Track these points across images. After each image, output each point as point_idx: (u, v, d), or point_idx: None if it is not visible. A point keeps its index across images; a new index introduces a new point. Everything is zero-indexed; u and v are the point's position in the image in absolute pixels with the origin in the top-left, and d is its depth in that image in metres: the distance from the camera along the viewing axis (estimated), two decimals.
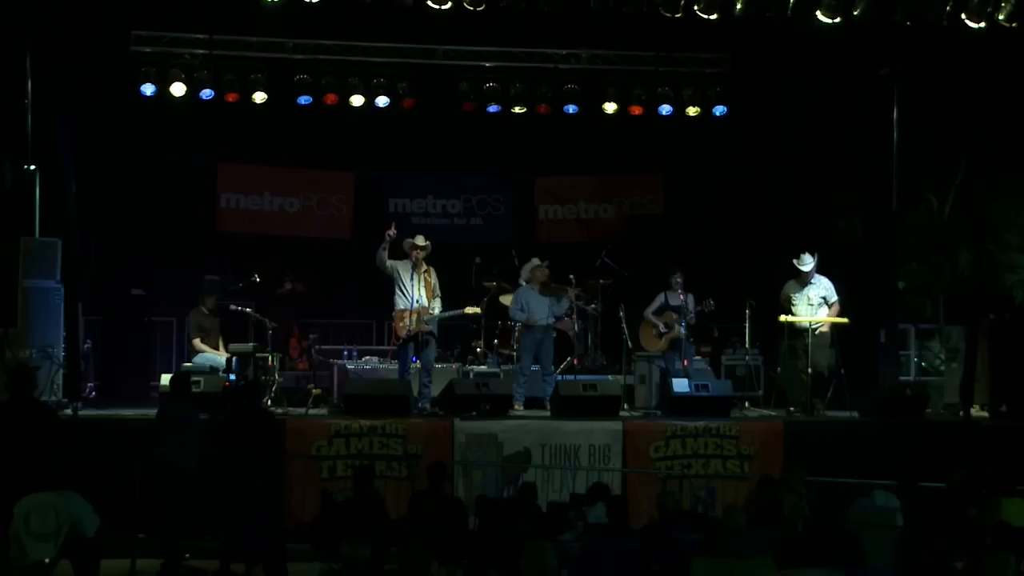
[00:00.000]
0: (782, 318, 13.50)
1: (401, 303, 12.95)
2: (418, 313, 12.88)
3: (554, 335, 13.93)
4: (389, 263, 12.93)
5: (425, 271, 13.03)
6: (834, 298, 13.52)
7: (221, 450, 10.53)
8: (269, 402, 13.06)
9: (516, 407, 13.26)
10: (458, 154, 16.97)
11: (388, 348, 14.38)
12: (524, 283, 13.93)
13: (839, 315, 13.53)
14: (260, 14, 14.33)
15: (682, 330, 13.52)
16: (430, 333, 13.05)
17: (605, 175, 17.52)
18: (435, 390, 13.29)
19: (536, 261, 13.86)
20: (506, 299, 14.89)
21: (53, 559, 8.37)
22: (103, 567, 10.37)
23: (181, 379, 11.10)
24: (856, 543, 7.19)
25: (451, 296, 13.44)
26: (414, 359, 13.23)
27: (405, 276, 12.98)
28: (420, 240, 13.07)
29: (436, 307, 13.04)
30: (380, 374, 14.18)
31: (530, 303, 13.66)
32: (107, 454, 10.82)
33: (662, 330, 13.69)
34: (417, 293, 12.90)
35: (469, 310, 13.27)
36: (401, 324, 12.94)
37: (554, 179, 17.56)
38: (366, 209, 17.00)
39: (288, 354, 14.68)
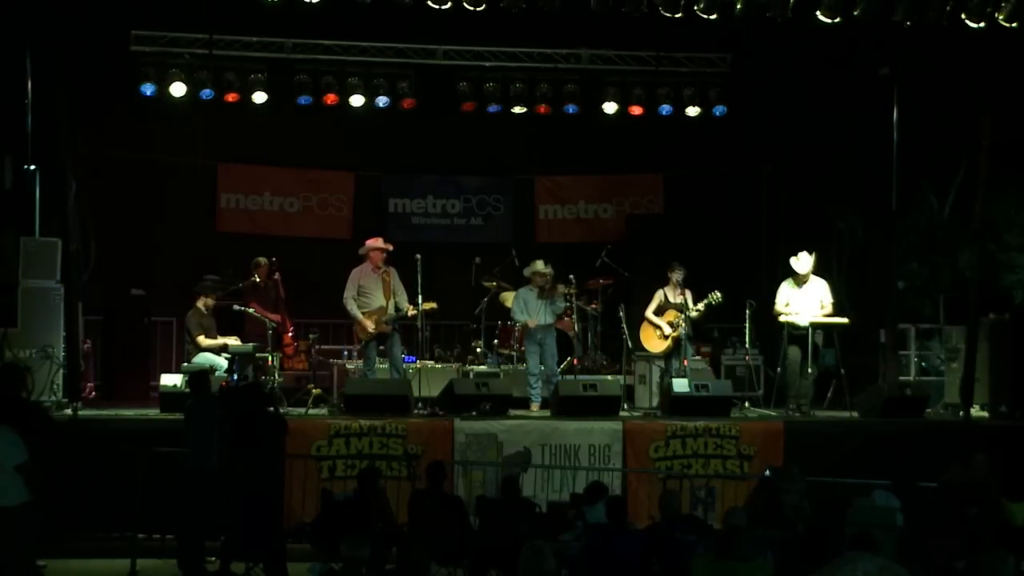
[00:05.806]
0: (785, 319, 13.42)
1: (368, 306, 13.13)
2: (380, 314, 13.05)
3: (555, 334, 13.91)
4: (351, 291, 13.18)
5: (384, 272, 13.17)
6: (830, 299, 13.52)
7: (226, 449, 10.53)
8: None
9: (533, 407, 13.33)
10: (458, 154, 16.97)
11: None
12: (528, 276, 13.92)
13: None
14: (260, 14, 14.29)
15: (683, 329, 13.52)
16: (394, 331, 13.18)
17: (605, 175, 17.52)
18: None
19: (540, 265, 13.77)
20: (506, 299, 14.90)
21: None
22: (106, 567, 10.44)
23: (196, 378, 11.01)
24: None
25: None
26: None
27: (369, 282, 13.12)
28: (380, 243, 13.31)
29: (402, 304, 13.18)
30: (380, 374, 14.17)
31: (528, 304, 13.66)
32: (107, 454, 10.83)
33: (666, 332, 13.64)
34: (380, 295, 13.09)
35: (426, 306, 13.25)
36: (370, 324, 13.07)
37: (554, 179, 17.56)
38: (366, 209, 17.01)
39: (283, 350, 14.60)
